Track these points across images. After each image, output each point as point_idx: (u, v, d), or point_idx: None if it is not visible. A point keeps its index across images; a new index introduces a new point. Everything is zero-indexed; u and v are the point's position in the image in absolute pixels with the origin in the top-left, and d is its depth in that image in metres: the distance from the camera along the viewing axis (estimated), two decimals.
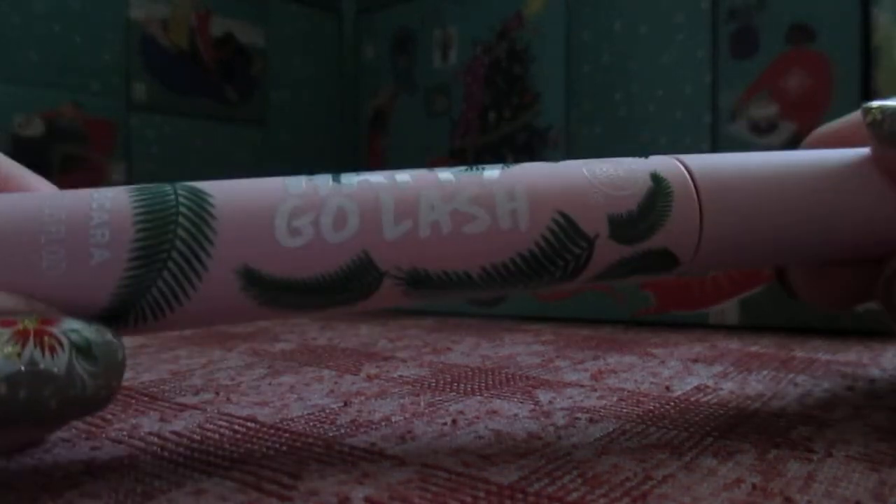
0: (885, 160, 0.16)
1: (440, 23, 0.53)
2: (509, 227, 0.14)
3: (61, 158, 0.45)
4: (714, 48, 0.41)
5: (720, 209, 0.15)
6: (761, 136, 0.40)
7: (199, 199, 0.13)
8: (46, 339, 0.11)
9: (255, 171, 0.54)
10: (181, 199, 0.13)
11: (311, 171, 0.15)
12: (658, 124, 0.42)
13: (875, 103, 0.16)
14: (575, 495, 0.12)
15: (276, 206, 0.13)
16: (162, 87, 0.49)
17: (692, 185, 0.15)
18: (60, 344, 0.11)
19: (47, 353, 0.11)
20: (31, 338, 0.11)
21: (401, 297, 0.14)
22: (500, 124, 0.50)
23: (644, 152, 0.16)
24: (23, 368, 0.11)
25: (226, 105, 0.53)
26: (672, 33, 0.42)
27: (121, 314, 0.13)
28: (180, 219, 0.12)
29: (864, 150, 0.17)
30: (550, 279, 0.15)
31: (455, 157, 0.52)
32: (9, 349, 0.11)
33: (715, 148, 0.41)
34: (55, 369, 0.11)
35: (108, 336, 0.12)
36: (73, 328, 0.12)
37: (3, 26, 0.42)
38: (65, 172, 0.45)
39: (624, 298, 0.35)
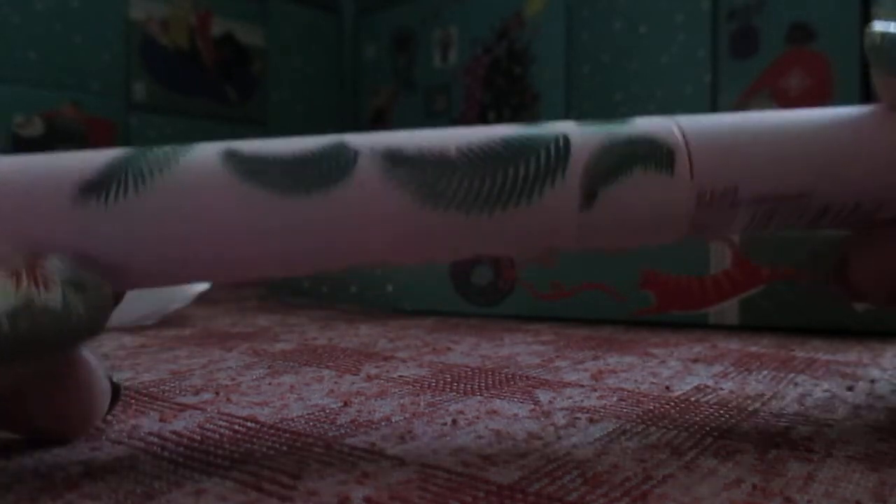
0: (887, 88, 0.15)
1: (440, 23, 0.53)
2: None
3: None
4: (714, 48, 0.41)
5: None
6: None
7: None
8: (39, 275, 0.12)
9: None
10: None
11: None
12: None
13: (878, 28, 0.15)
14: (575, 495, 0.12)
15: None
16: (162, 87, 0.49)
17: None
18: (52, 279, 0.12)
19: (42, 287, 0.12)
20: (24, 275, 0.12)
21: (382, 182, 0.13)
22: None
23: None
24: (22, 303, 0.11)
25: (226, 105, 0.52)
26: (672, 33, 0.42)
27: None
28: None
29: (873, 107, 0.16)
30: (536, 171, 0.14)
31: None
32: (6, 287, 0.11)
33: None
34: (51, 302, 0.12)
35: (91, 270, 0.13)
36: (60, 264, 0.12)
37: (3, 26, 0.42)
38: None
39: (624, 298, 0.35)
